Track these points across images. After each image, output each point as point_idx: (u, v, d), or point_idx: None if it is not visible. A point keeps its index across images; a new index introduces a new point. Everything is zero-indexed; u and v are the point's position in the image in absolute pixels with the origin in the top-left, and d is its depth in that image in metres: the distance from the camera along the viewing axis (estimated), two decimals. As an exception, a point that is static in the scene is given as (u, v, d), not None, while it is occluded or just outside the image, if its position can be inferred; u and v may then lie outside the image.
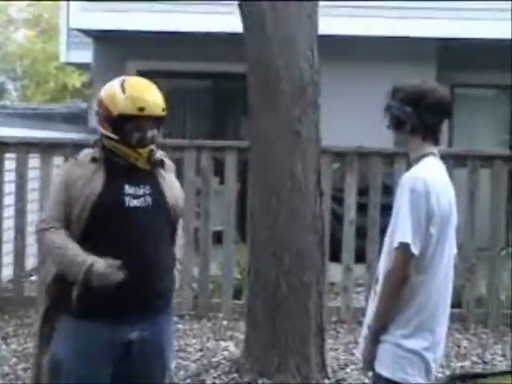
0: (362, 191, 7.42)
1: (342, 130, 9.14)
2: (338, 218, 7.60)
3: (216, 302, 7.54)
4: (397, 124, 3.32)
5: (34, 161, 7.67)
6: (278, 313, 5.59)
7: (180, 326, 7.10)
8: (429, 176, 3.20)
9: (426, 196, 3.14)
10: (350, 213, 7.37)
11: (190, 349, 6.43)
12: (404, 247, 3.11)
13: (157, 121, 3.40)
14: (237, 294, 7.52)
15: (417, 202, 3.13)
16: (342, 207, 7.50)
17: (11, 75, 27.83)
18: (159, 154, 3.51)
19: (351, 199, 7.39)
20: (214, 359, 6.14)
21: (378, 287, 3.27)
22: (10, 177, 7.63)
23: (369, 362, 3.29)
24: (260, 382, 5.52)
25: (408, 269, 3.12)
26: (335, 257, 7.33)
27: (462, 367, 6.17)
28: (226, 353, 6.33)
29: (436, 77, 11.05)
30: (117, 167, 3.39)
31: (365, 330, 3.33)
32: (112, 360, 3.33)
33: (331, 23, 9.10)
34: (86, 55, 12.77)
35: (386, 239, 3.30)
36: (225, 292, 7.51)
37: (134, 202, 3.35)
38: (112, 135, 3.36)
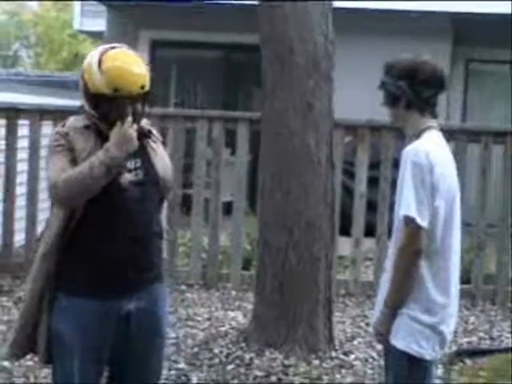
0: (373, 165, 7.42)
1: (354, 103, 9.12)
2: (348, 192, 7.60)
3: (225, 273, 7.58)
4: (392, 100, 3.29)
5: (46, 128, 7.69)
6: (286, 284, 5.62)
7: (189, 295, 7.16)
8: (432, 149, 3.17)
9: (429, 169, 3.10)
10: (361, 186, 7.38)
11: (199, 318, 6.48)
12: (410, 221, 3.08)
13: (138, 97, 3.26)
14: (246, 265, 7.56)
15: (420, 175, 3.09)
16: (353, 181, 7.50)
17: (25, 43, 27.83)
18: (145, 124, 3.43)
19: (362, 173, 7.39)
20: (221, 328, 6.19)
21: (388, 263, 3.28)
22: (22, 143, 7.66)
23: (383, 336, 3.30)
24: (267, 351, 5.56)
25: (418, 242, 3.09)
26: (345, 230, 7.34)
27: (469, 343, 6.20)
28: (233, 322, 6.37)
29: (451, 52, 11.01)
30: (107, 139, 3.26)
31: (379, 304, 3.32)
32: (113, 332, 3.33)
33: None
34: (99, 24, 12.77)
35: (395, 216, 3.27)
36: (234, 262, 7.54)
37: (126, 176, 3.29)
38: (92, 112, 3.27)
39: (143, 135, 3.39)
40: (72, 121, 3.34)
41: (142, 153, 3.37)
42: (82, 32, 15.83)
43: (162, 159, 3.46)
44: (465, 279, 7.42)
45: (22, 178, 7.72)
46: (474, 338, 6.31)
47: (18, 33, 26.86)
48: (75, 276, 3.29)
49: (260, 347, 5.61)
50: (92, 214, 3.25)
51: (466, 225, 6.82)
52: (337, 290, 6.56)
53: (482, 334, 6.42)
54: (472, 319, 6.84)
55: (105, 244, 3.28)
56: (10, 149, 7.60)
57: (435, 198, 3.12)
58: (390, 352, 3.31)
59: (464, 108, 11.67)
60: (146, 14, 11.33)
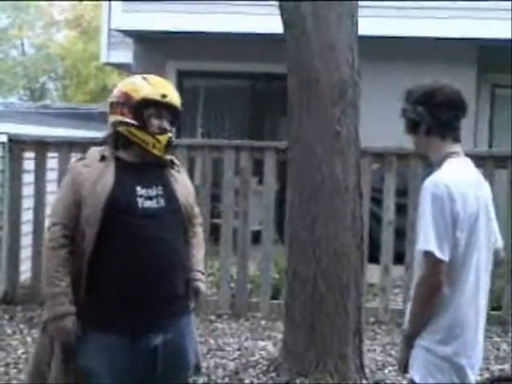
0: (401, 192, 7.41)
1: (381, 131, 9.12)
2: (376, 219, 7.59)
3: (254, 302, 7.57)
4: (412, 127, 3.26)
5: (73, 163, 7.76)
6: (316, 313, 5.60)
7: (218, 325, 7.15)
8: (451, 179, 3.10)
9: (449, 200, 3.05)
10: (389, 214, 7.37)
11: (228, 348, 6.47)
12: (430, 255, 3.04)
13: (174, 115, 3.43)
14: (275, 294, 7.54)
15: (440, 208, 3.04)
16: (381, 208, 7.49)
17: (52, 75, 28.14)
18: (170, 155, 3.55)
19: (390, 200, 7.38)
20: (252, 358, 6.17)
21: (412, 292, 3.25)
22: (52, 176, 7.73)
23: (403, 365, 3.29)
24: (298, 381, 5.54)
25: (438, 276, 3.05)
26: (374, 258, 7.32)
27: (501, 370, 6.13)
28: (263, 352, 6.35)
29: (476, 78, 11.00)
30: (127, 166, 3.37)
31: (401, 333, 3.34)
32: (142, 367, 3.33)
33: (371, 24, 9.09)
34: (126, 55, 12.89)
35: (417, 248, 3.22)
36: (263, 292, 7.54)
37: (148, 203, 3.31)
38: (131, 121, 3.35)
39: (165, 164, 3.48)
40: (89, 153, 3.43)
41: (164, 181, 3.43)
42: (108, 64, 15.97)
43: (184, 186, 3.51)
44: (496, 306, 7.38)
45: (50, 211, 7.76)
46: (507, 366, 6.25)
47: (46, 66, 27.17)
48: (102, 314, 3.29)
49: (291, 377, 5.58)
50: (111, 241, 3.25)
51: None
52: (366, 318, 6.53)
53: (514, 361, 6.36)
54: (504, 346, 6.77)
55: (126, 277, 3.26)
56: (40, 181, 7.68)
57: (456, 229, 3.07)
58: (411, 383, 3.28)
59: (490, 133, 11.63)
60: (172, 45, 11.43)
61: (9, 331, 6.77)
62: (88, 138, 8.50)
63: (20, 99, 27.38)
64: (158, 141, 3.36)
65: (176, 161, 3.58)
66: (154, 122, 3.36)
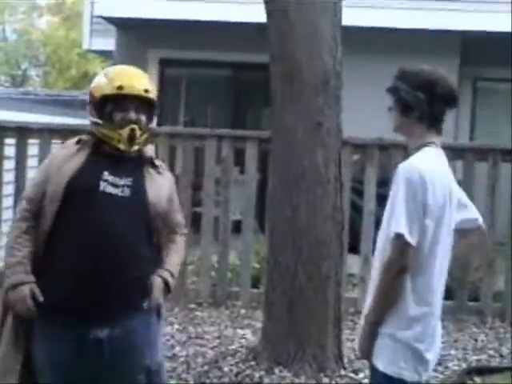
0: (382, 183, 7.43)
1: (362, 121, 9.15)
2: (357, 210, 7.61)
3: (234, 291, 7.59)
4: (404, 109, 3.25)
5: (56, 147, 7.74)
6: (295, 302, 5.62)
7: (198, 313, 7.17)
8: (426, 167, 3.13)
9: (422, 187, 3.08)
10: (370, 204, 7.39)
11: (208, 336, 6.48)
12: (399, 237, 3.06)
13: (143, 104, 3.37)
14: (255, 283, 7.56)
15: (412, 193, 3.07)
16: (362, 199, 7.52)
17: (34, 61, 27.98)
18: (150, 151, 3.51)
19: (371, 191, 7.41)
20: (231, 347, 6.19)
21: (372, 281, 3.28)
22: (32, 162, 7.69)
23: (365, 352, 3.29)
24: (276, 370, 5.56)
25: (405, 259, 3.08)
26: (354, 248, 7.35)
27: (478, 361, 6.18)
28: (243, 341, 6.37)
29: (458, 70, 11.03)
30: (104, 154, 3.38)
31: (362, 320, 3.33)
32: (84, 357, 3.25)
33: (353, 14, 9.09)
34: (108, 43, 12.84)
35: (380, 232, 3.26)
36: (243, 281, 7.55)
37: (110, 189, 3.27)
38: (97, 120, 3.36)
39: (142, 160, 3.44)
40: (73, 139, 3.46)
41: (137, 175, 3.38)
42: (90, 51, 15.92)
43: (160, 187, 3.43)
44: (474, 297, 7.43)
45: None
46: (484, 356, 6.30)
47: (27, 52, 27.00)
48: (49, 294, 3.24)
49: (269, 365, 5.61)
50: (69, 219, 3.24)
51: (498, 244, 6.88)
52: (346, 307, 6.55)
53: (491, 352, 6.40)
54: (481, 337, 6.82)
55: (76, 260, 3.21)
56: (20, 168, 7.64)
57: (426, 216, 3.10)
58: (372, 371, 3.29)
59: (472, 126, 11.70)
60: (154, 33, 11.40)
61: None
62: (69, 124, 8.47)
63: (1, 85, 27.20)
64: (120, 134, 3.33)
65: (159, 162, 3.53)
66: (117, 115, 3.33)
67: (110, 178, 3.29)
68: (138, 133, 3.35)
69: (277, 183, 5.75)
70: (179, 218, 3.63)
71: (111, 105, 3.33)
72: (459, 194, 3.40)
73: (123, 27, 11.86)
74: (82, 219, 3.23)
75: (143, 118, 3.38)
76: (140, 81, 3.40)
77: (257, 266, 7.68)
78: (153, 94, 3.39)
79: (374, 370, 3.26)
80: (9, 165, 7.68)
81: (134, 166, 3.41)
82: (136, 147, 3.39)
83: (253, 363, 5.71)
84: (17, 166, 7.64)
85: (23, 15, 28.56)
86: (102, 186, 3.27)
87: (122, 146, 3.35)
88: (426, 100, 3.20)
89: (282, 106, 5.65)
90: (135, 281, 3.31)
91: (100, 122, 3.35)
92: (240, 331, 6.67)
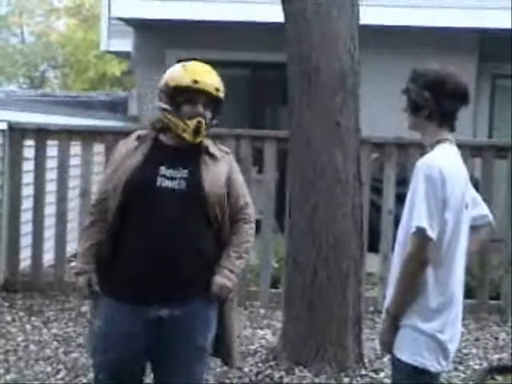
0: (401, 182, 7.41)
1: (381, 120, 9.13)
2: (376, 209, 7.60)
3: (254, 291, 7.58)
4: (414, 108, 3.34)
5: (75, 148, 7.77)
6: (315, 302, 5.61)
7: (218, 313, 7.15)
8: (444, 162, 3.20)
9: (441, 181, 3.14)
10: (389, 203, 7.37)
11: (228, 336, 6.47)
12: (420, 231, 3.11)
13: (211, 101, 3.55)
14: (274, 283, 7.56)
15: (432, 188, 3.13)
16: (381, 197, 7.50)
17: (52, 63, 28.10)
18: (210, 143, 3.64)
19: (390, 189, 7.39)
20: (251, 347, 6.19)
21: (392, 276, 3.32)
22: (51, 164, 7.73)
23: (386, 345, 3.34)
24: (297, 370, 5.56)
25: (426, 253, 3.13)
26: (373, 247, 7.33)
27: (499, 359, 6.15)
28: (263, 341, 6.37)
29: (477, 67, 10.99)
30: (162, 147, 3.57)
31: (384, 313, 3.37)
32: (143, 335, 3.46)
33: (371, 13, 9.07)
34: (125, 44, 12.88)
35: (400, 228, 3.31)
36: (263, 280, 7.55)
37: (167, 183, 3.44)
38: (166, 106, 3.54)
39: (199, 150, 3.57)
40: (134, 133, 3.66)
41: (193, 166, 3.52)
42: (108, 52, 15.95)
43: (216, 176, 3.54)
44: (495, 295, 7.39)
45: (50, 198, 7.79)
46: (505, 355, 6.27)
47: (46, 54, 27.13)
48: (110, 278, 3.50)
49: (290, 365, 5.61)
50: (129, 213, 3.45)
51: (494, 241, 6.85)
52: (366, 307, 6.54)
53: (512, 351, 6.37)
54: (503, 335, 6.80)
55: (137, 250, 3.43)
56: (39, 169, 7.68)
57: (445, 210, 3.16)
58: (394, 363, 3.34)
59: (490, 123, 11.63)
60: (172, 34, 11.42)
61: (8, 318, 6.79)
62: (87, 125, 8.49)
63: (20, 87, 27.34)
64: (187, 125, 3.50)
65: (214, 150, 3.63)
66: (186, 107, 3.51)
67: (167, 172, 3.46)
68: (203, 126, 3.53)
69: (296, 183, 5.75)
70: (243, 201, 3.66)
71: (183, 96, 3.51)
72: (471, 189, 3.45)
73: (141, 28, 11.89)
74: (142, 213, 3.44)
75: (209, 113, 3.56)
76: (214, 79, 3.58)
77: (276, 265, 7.67)
78: (222, 94, 3.58)
79: (396, 361, 3.30)
80: (28, 166, 7.72)
81: (191, 156, 3.55)
82: (199, 139, 3.55)
83: (273, 363, 5.71)
84: (36, 167, 7.68)
85: (41, 18, 28.70)
86: (159, 181, 3.44)
87: (187, 136, 3.51)
88: (433, 99, 3.28)
89: (299, 105, 5.64)
90: (195, 268, 3.47)
91: (169, 108, 3.53)
92: (260, 331, 6.67)
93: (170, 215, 3.40)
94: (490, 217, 3.52)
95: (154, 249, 3.39)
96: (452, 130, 3.35)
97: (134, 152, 3.54)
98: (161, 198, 3.42)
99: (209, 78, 3.56)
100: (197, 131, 3.50)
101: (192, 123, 3.49)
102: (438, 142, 3.30)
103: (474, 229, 3.42)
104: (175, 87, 3.52)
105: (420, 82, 3.31)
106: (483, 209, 3.50)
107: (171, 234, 3.40)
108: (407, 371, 3.24)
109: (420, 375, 3.23)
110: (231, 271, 3.56)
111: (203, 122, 3.51)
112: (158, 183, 3.43)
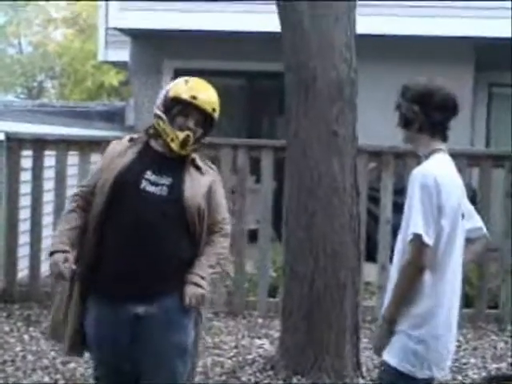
0: (398, 191, 7.41)
1: (378, 129, 9.13)
2: (373, 218, 7.60)
3: (251, 300, 7.58)
4: (406, 122, 3.43)
5: (72, 158, 7.77)
6: (313, 311, 5.61)
7: (215, 323, 7.16)
8: (439, 171, 3.28)
9: (436, 189, 3.22)
10: (386, 212, 7.37)
11: (225, 346, 6.48)
12: (417, 238, 3.18)
13: (205, 119, 3.68)
14: (272, 292, 7.55)
15: (427, 196, 3.21)
16: (378, 207, 7.50)
17: (50, 73, 28.11)
18: (197, 157, 3.75)
19: (387, 199, 7.39)
20: (248, 356, 6.18)
21: (390, 285, 3.38)
22: (49, 174, 7.73)
23: (380, 350, 3.40)
24: (295, 379, 5.55)
25: (423, 259, 3.20)
26: (371, 256, 7.33)
27: (498, 369, 6.14)
28: (260, 350, 6.36)
29: (473, 76, 11.01)
30: (151, 153, 3.70)
31: (380, 319, 3.44)
32: (124, 334, 3.58)
33: (367, 22, 9.09)
34: (123, 54, 12.88)
35: (399, 236, 3.37)
36: (260, 290, 7.55)
37: (150, 188, 3.57)
38: (162, 114, 3.67)
39: (185, 161, 3.68)
40: (128, 135, 3.82)
41: (177, 174, 3.64)
42: (106, 62, 15.96)
43: (197, 187, 3.65)
44: (493, 304, 7.39)
45: (48, 208, 7.78)
46: (504, 364, 6.26)
47: (43, 64, 27.11)
48: (95, 275, 3.61)
49: (287, 375, 5.60)
50: (113, 211, 3.57)
51: (492, 250, 6.86)
52: (363, 316, 6.54)
53: (511, 360, 6.36)
54: (501, 345, 6.79)
55: (116, 249, 3.56)
56: (37, 179, 7.67)
57: (441, 217, 3.23)
58: (383, 366, 3.40)
59: (487, 132, 11.64)
60: (169, 44, 11.44)
61: (6, 329, 6.77)
62: (85, 135, 8.49)
63: (17, 97, 27.32)
64: (176, 136, 3.62)
65: (200, 163, 3.74)
66: (179, 119, 3.65)
67: (152, 178, 3.60)
68: (192, 140, 3.65)
69: (293, 192, 5.75)
70: (220, 216, 3.79)
71: (179, 108, 3.65)
72: (466, 201, 3.52)
73: (138, 38, 11.90)
74: (124, 211, 3.56)
75: (200, 130, 3.70)
76: (212, 99, 3.70)
77: (274, 275, 7.67)
78: (216, 115, 3.72)
79: (385, 365, 3.37)
80: (26, 176, 7.71)
81: (177, 165, 3.67)
82: (185, 152, 3.67)
83: (271, 373, 5.70)
84: (33, 177, 7.68)
85: (39, 28, 28.70)
86: (143, 184, 3.58)
87: (174, 146, 3.64)
88: (421, 111, 3.36)
89: (296, 114, 5.65)
90: (170, 268, 3.59)
91: (164, 117, 3.66)
92: (257, 341, 6.67)
93: (148, 218, 3.52)
94: (484, 229, 3.59)
95: (130, 248, 3.52)
96: (444, 140, 3.43)
97: (124, 153, 3.67)
98: (142, 201, 3.55)
99: (207, 97, 3.69)
100: (184, 143, 3.63)
101: (181, 135, 3.63)
102: (432, 152, 3.38)
103: (468, 241, 3.48)
104: (173, 98, 3.66)
105: (408, 96, 3.40)
106: (477, 221, 3.57)
107: (148, 235, 3.52)
108: (395, 376, 3.31)
109: (407, 381, 3.28)
110: (202, 278, 3.69)
111: (191, 136, 3.64)
112: (142, 186, 3.57)
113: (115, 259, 3.55)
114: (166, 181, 3.61)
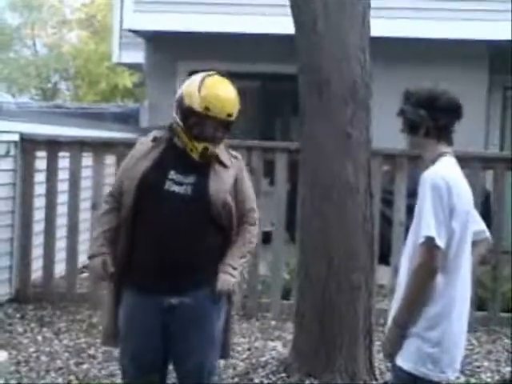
0: (412, 193, 7.39)
1: (392, 132, 9.11)
2: (387, 220, 7.58)
3: (265, 302, 7.58)
4: (411, 128, 3.44)
5: (86, 159, 7.80)
6: (326, 313, 5.60)
7: (228, 325, 7.15)
8: (449, 173, 3.30)
9: (447, 191, 3.22)
10: (400, 215, 7.36)
11: (239, 348, 6.48)
12: (429, 240, 3.18)
13: (222, 124, 3.71)
14: (285, 295, 7.55)
15: (438, 197, 3.20)
16: (392, 209, 7.49)
17: (64, 75, 28.21)
18: (221, 150, 3.78)
19: (401, 201, 7.37)
20: (262, 358, 6.18)
21: (399, 288, 3.38)
22: (63, 175, 7.75)
23: (391, 355, 3.36)
24: (307, 381, 5.55)
25: (435, 262, 3.19)
26: (384, 259, 7.32)
27: (511, 372, 6.12)
28: (273, 352, 6.36)
29: (488, 80, 10.97)
30: (174, 150, 3.76)
31: (389, 322, 3.39)
32: (159, 324, 3.73)
33: (381, 25, 9.08)
34: (137, 56, 12.91)
35: (409, 239, 3.37)
36: (273, 292, 7.54)
37: (174, 188, 3.66)
38: (180, 122, 3.71)
39: (208, 158, 3.73)
40: (150, 134, 3.87)
41: (201, 172, 3.71)
42: (120, 64, 16.00)
43: (222, 183, 3.72)
44: (506, 308, 7.36)
45: (62, 210, 7.80)
46: (517, 368, 6.24)
47: (58, 66, 27.21)
48: (130, 274, 3.75)
49: (300, 377, 5.59)
50: (140, 210, 3.69)
51: (505, 252, 6.84)
52: (376, 318, 6.52)
53: (524, 363, 6.34)
54: (514, 348, 6.77)
55: (147, 246, 3.69)
56: (51, 180, 7.70)
57: (452, 219, 3.23)
58: (396, 371, 3.35)
59: (502, 135, 11.61)
60: (183, 46, 11.45)
61: (20, 330, 6.80)
62: (99, 137, 8.51)
63: (32, 99, 27.43)
64: (195, 147, 3.68)
65: (224, 157, 3.79)
66: (196, 129, 3.67)
67: (176, 177, 3.68)
68: (210, 150, 3.69)
69: (307, 194, 5.75)
70: (248, 207, 3.87)
71: (194, 118, 3.66)
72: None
73: (152, 40, 11.93)
74: (151, 212, 3.67)
75: (219, 134, 3.73)
76: (227, 104, 3.70)
77: (287, 277, 7.67)
78: (234, 117, 3.73)
79: (397, 370, 3.32)
80: (40, 177, 7.74)
81: (201, 163, 3.72)
82: (205, 160, 3.72)
83: (283, 375, 5.70)
84: (48, 178, 7.71)
85: (53, 29, 28.81)
86: (168, 184, 3.66)
87: (194, 156, 3.71)
88: (428, 116, 3.37)
89: (310, 117, 5.65)
90: (201, 262, 3.72)
91: (181, 124, 3.71)
92: (271, 343, 6.67)
93: (175, 217, 3.62)
94: (487, 232, 3.60)
95: (162, 245, 3.64)
96: (450, 144, 3.44)
97: (148, 153, 3.74)
98: (167, 200, 3.64)
99: (221, 105, 3.66)
100: (203, 155, 3.70)
101: (200, 147, 3.67)
102: (439, 156, 3.39)
103: (473, 244, 3.47)
104: (188, 108, 3.68)
105: (413, 101, 3.42)
106: (481, 224, 3.58)
107: (177, 233, 3.62)
108: (409, 381, 3.28)
109: None
110: (234, 268, 3.78)
111: (210, 147, 3.69)
112: (166, 186, 3.65)
113: (148, 256, 3.67)
114: (191, 179, 3.68)
